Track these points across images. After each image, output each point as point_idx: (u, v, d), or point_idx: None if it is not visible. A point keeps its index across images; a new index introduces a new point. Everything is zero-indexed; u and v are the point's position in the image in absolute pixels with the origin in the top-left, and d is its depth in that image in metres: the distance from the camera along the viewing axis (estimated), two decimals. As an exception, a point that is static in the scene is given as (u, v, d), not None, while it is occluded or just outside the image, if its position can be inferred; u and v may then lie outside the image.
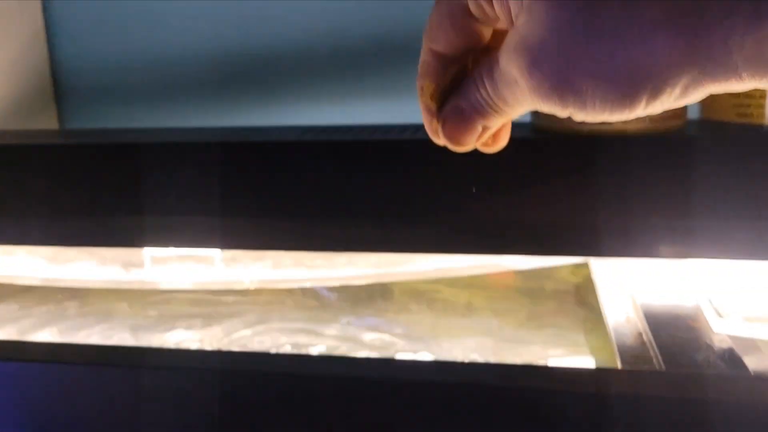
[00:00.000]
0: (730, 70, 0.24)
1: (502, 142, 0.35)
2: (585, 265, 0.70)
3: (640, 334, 0.56)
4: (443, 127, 0.33)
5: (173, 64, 1.07)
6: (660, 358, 0.50)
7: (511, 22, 0.29)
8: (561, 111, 0.28)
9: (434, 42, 0.32)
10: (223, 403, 0.51)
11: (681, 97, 0.26)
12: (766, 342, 0.52)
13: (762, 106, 0.63)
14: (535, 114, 0.67)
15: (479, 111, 0.32)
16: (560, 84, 0.27)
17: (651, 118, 0.63)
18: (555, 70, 0.27)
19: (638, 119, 0.61)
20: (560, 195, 0.64)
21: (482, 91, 0.31)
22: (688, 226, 0.62)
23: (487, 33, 0.32)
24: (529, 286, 0.73)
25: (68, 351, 0.56)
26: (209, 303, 0.81)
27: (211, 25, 1.04)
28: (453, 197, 0.67)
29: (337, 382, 0.48)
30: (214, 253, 0.79)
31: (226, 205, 0.71)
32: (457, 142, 0.33)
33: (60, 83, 1.10)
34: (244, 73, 1.06)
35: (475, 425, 0.45)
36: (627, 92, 0.26)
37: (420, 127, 0.70)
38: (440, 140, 0.34)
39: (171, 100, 1.09)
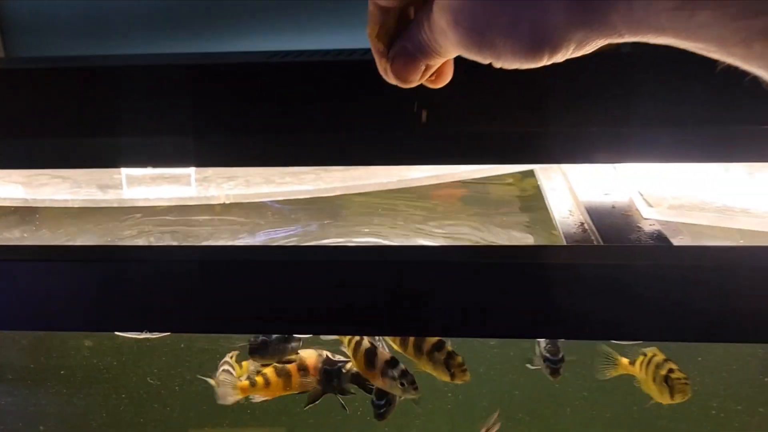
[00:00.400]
0: (610, 29, 0.29)
1: (446, 78, 0.41)
2: (531, 173, 0.78)
3: (582, 224, 0.64)
4: (391, 65, 0.38)
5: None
6: (600, 240, 0.59)
7: None
8: (481, 60, 0.33)
9: None
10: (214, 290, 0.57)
11: (576, 50, 0.31)
12: (688, 225, 0.61)
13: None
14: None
15: (422, 51, 0.37)
16: (477, 39, 0.32)
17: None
18: (473, 28, 0.32)
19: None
20: (509, 109, 0.71)
21: (424, 33, 0.36)
22: (622, 133, 0.70)
23: None
24: (481, 194, 0.81)
25: (51, 251, 0.61)
26: (182, 222, 0.86)
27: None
28: (411, 113, 0.73)
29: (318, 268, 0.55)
30: (188, 172, 0.83)
31: (200, 125, 0.76)
32: (404, 79, 0.38)
33: (3, 14, 1.09)
34: (193, 4, 1.07)
35: (453, 300, 0.53)
36: (531, 48, 0.31)
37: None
38: (390, 78, 0.40)
39: (117, 30, 1.10)
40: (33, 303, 0.58)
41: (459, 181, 0.79)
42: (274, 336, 0.71)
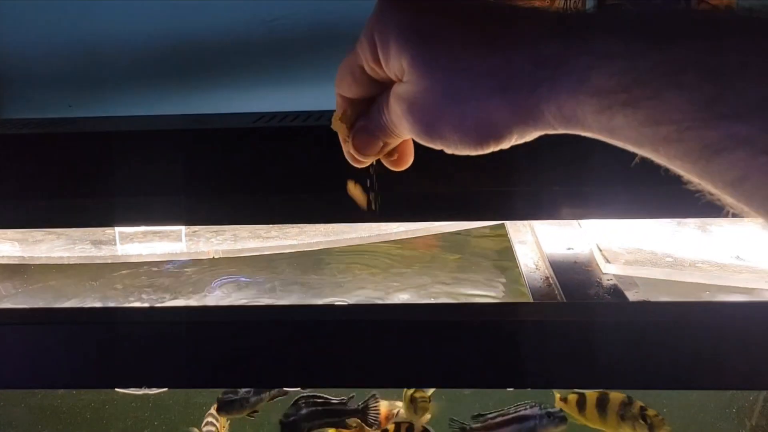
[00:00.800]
0: (545, 124, 0.34)
1: (407, 161, 0.45)
2: (501, 226, 0.84)
3: (547, 278, 0.70)
4: (352, 140, 0.42)
5: (107, 53, 1.12)
6: (562, 294, 0.64)
7: (398, 79, 0.38)
8: (433, 146, 0.37)
9: (341, 89, 0.42)
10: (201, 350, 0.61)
11: (518, 140, 0.36)
12: (642, 279, 0.67)
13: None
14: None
15: (380, 129, 0.41)
16: (428, 130, 0.37)
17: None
18: (425, 121, 0.36)
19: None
20: (481, 171, 0.77)
21: (383, 115, 0.40)
22: (583, 192, 0.76)
23: (383, 85, 0.40)
24: (455, 246, 0.86)
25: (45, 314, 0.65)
26: (173, 274, 0.91)
27: (149, 15, 1.09)
28: (387, 173, 0.79)
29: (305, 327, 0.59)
30: (179, 228, 0.88)
31: (190, 185, 0.80)
32: (362, 153, 0.42)
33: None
34: (177, 61, 1.12)
35: (428, 357, 0.58)
36: (477, 140, 0.35)
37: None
38: (351, 153, 0.43)
39: (101, 88, 1.14)
40: (37, 363, 0.61)
41: (433, 235, 0.84)
42: (243, 390, 0.76)
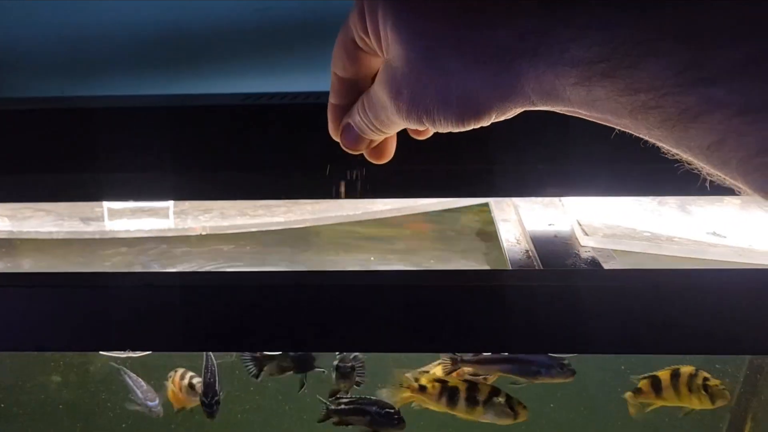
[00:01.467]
0: (525, 99, 0.34)
1: (387, 155, 0.44)
2: (485, 204, 0.85)
3: (527, 251, 0.71)
4: (341, 138, 0.42)
5: (100, 40, 1.13)
6: (540, 264, 0.65)
7: (384, 52, 0.37)
8: (420, 126, 0.37)
9: (335, 67, 0.42)
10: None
11: (498, 117, 0.36)
12: (619, 251, 0.68)
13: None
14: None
15: (363, 130, 0.41)
16: (415, 105, 0.36)
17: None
18: (412, 95, 0.36)
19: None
20: (468, 150, 0.78)
21: (362, 115, 0.40)
22: (565, 171, 0.77)
23: (374, 63, 0.40)
24: (440, 223, 0.87)
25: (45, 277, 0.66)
26: (161, 252, 0.91)
27: (142, 2, 1.10)
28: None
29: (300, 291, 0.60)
30: (167, 205, 0.89)
31: (179, 162, 0.82)
32: (352, 150, 0.42)
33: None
34: (170, 47, 1.13)
35: (420, 323, 0.59)
36: (459, 116, 0.35)
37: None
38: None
39: (100, 71, 1.15)
40: (25, 326, 0.62)
41: (419, 214, 0.86)
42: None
